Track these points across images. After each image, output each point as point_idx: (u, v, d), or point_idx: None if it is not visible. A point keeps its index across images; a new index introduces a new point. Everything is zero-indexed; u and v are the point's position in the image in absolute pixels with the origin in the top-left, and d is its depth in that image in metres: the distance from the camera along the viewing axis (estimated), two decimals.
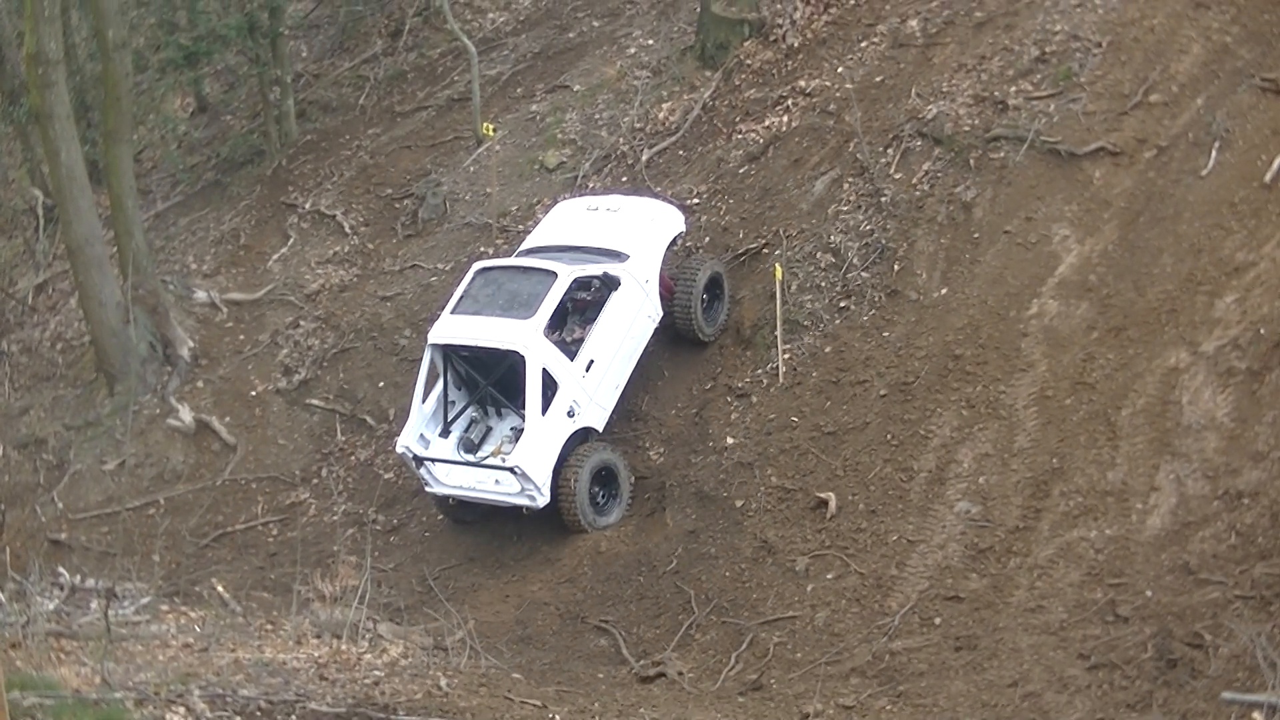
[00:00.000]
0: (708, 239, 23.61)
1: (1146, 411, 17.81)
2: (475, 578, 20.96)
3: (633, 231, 22.38)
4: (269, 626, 17.73)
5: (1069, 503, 17.44)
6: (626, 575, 19.97)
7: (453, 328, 21.04)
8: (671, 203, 23.60)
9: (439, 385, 21.34)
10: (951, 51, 23.20)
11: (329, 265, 28.14)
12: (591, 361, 20.85)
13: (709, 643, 18.15)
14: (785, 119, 24.49)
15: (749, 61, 26.35)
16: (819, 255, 21.86)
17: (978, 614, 16.72)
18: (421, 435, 21.15)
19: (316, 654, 15.59)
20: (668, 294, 21.99)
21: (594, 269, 21.26)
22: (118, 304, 25.70)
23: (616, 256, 21.68)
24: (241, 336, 27.23)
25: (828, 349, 20.91)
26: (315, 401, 25.51)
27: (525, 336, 20.22)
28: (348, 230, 28.67)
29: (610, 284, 21.19)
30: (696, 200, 24.40)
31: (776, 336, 21.22)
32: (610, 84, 28.50)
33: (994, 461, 18.36)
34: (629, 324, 21.41)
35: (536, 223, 25.52)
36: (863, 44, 24.79)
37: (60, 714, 10.58)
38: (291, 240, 28.95)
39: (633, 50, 29.26)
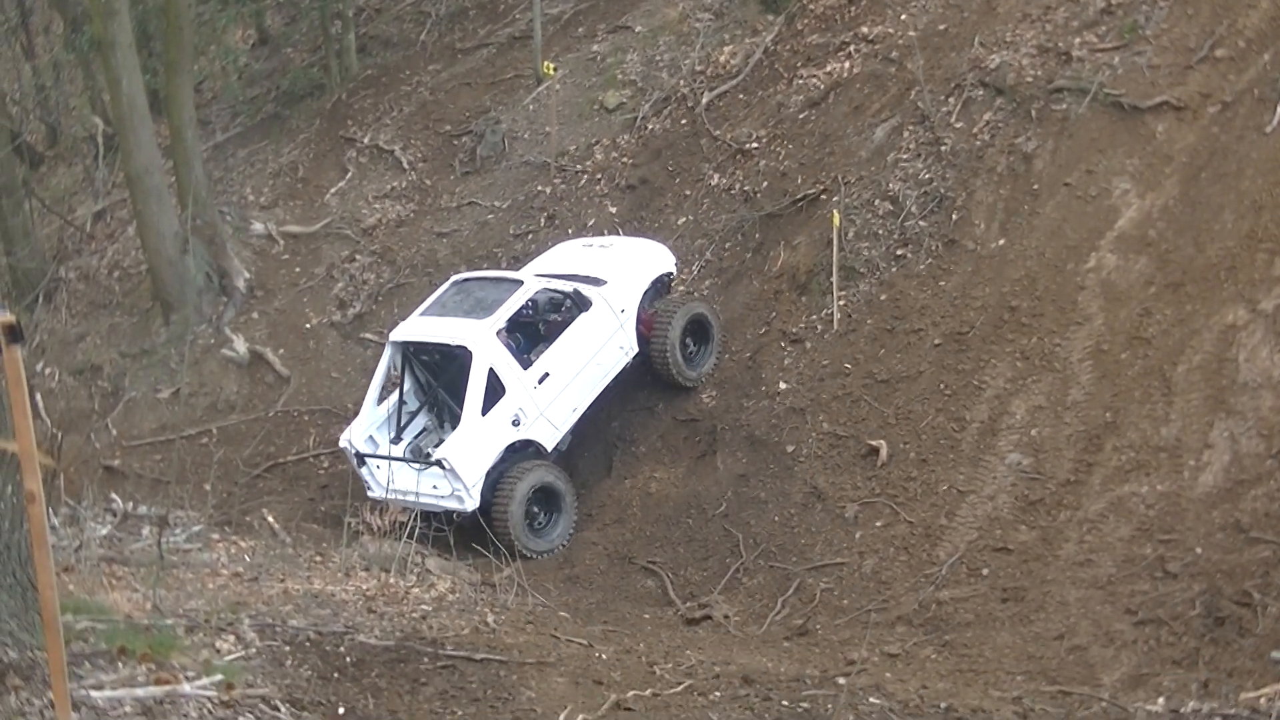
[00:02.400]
0: (766, 184, 23.54)
1: (1202, 368, 17.67)
2: None
3: (616, 262, 22.19)
4: (318, 558, 17.83)
5: (1121, 457, 17.34)
6: (675, 517, 20.00)
7: (413, 327, 20.91)
8: (665, 244, 23.26)
9: (397, 392, 21.11)
10: (1016, 1, 23.00)
11: (386, 200, 28.23)
12: (546, 375, 20.38)
13: (756, 587, 18.17)
14: (847, 65, 24.36)
15: (812, 6, 26.24)
16: (877, 203, 21.75)
17: (1026, 566, 16.68)
18: (372, 437, 20.83)
19: (365, 587, 15.66)
20: (648, 331, 21.57)
21: (564, 285, 21.08)
22: (175, 234, 25.84)
23: (594, 282, 21.42)
24: (297, 269, 27.35)
25: (883, 297, 20.83)
26: (369, 335, 25.61)
27: (475, 334, 19.94)
28: (405, 166, 28.75)
29: (580, 303, 20.85)
30: (755, 145, 24.33)
31: (832, 283, 21.14)
32: (672, 26, 28.41)
33: (1047, 414, 18.28)
34: (596, 348, 20.92)
35: (593, 163, 25.58)
36: None
37: (113, 638, 10.65)
38: (349, 174, 29.05)
39: None
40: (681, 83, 26.79)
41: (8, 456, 9.27)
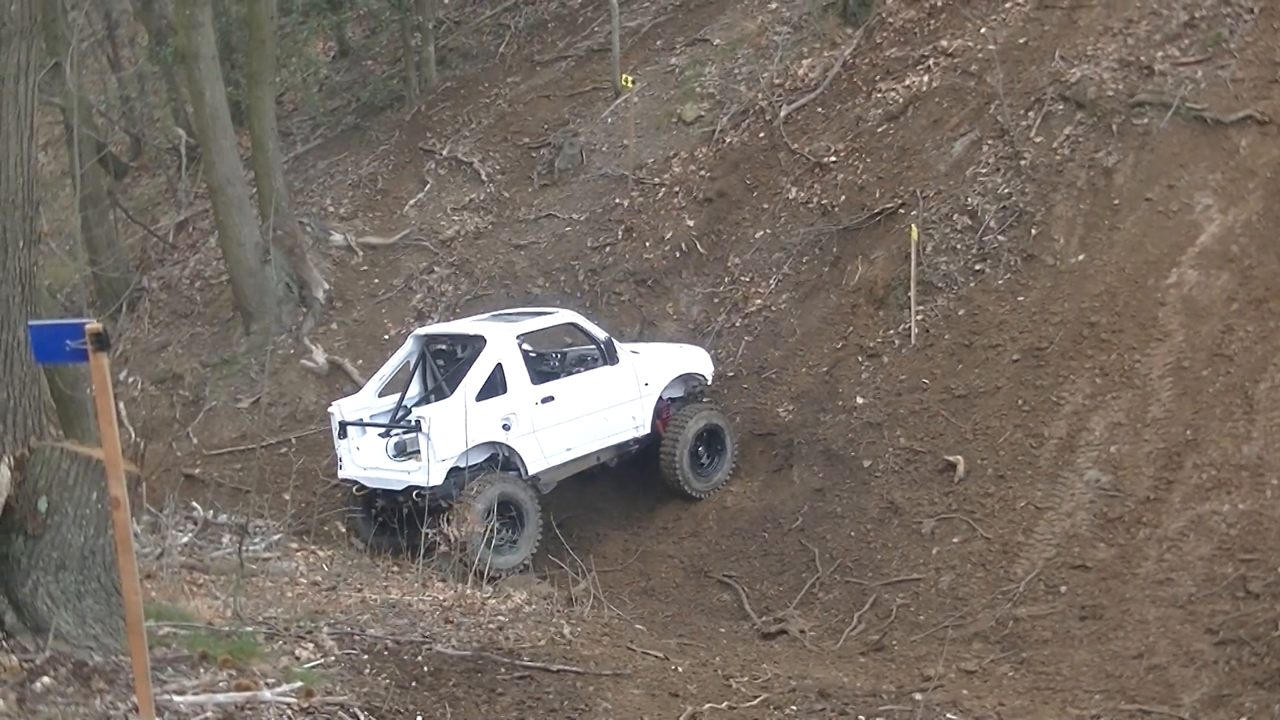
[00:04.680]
0: (844, 197, 23.50)
1: None
2: (600, 528, 21.07)
3: (653, 346, 22.38)
4: (395, 569, 17.95)
5: (1202, 475, 17.19)
6: (751, 531, 20.00)
7: (440, 325, 21.25)
8: (707, 350, 22.79)
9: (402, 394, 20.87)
10: (1098, 14, 22.90)
11: (464, 212, 28.39)
12: (552, 397, 20.14)
13: (832, 601, 18.13)
14: (926, 79, 24.31)
15: (891, 19, 26.19)
16: (955, 217, 21.69)
17: (1104, 584, 16.55)
18: (361, 420, 20.57)
19: (441, 597, 15.73)
20: (662, 429, 21.28)
21: (597, 332, 21.04)
22: (256, 244, 26.09)
23: (630, 352, 21.34)
24: (376, 280, 27.52)
25: (961, 311, 20.76)
26: None
27: (495, 329, 20.12)
28: (484, 178, 28.89)
29: (608, 354, 20.74)
30: (833, 158, 24.30)
31: (910, 297, 21.08)
32: (750, 39, 28.45)
33: (1126, 431, 18.15)
34: (609, 403, 20.69)
35: (671, 176, 25.62)
36: (1007, 4, 24.56)
37: (195, 644, 10.76)
38: (428, 186, 29.22)
39: (774, 5, 29.24)
40: (759, 95, 26.80)
41: (94, 462, 9.39)
